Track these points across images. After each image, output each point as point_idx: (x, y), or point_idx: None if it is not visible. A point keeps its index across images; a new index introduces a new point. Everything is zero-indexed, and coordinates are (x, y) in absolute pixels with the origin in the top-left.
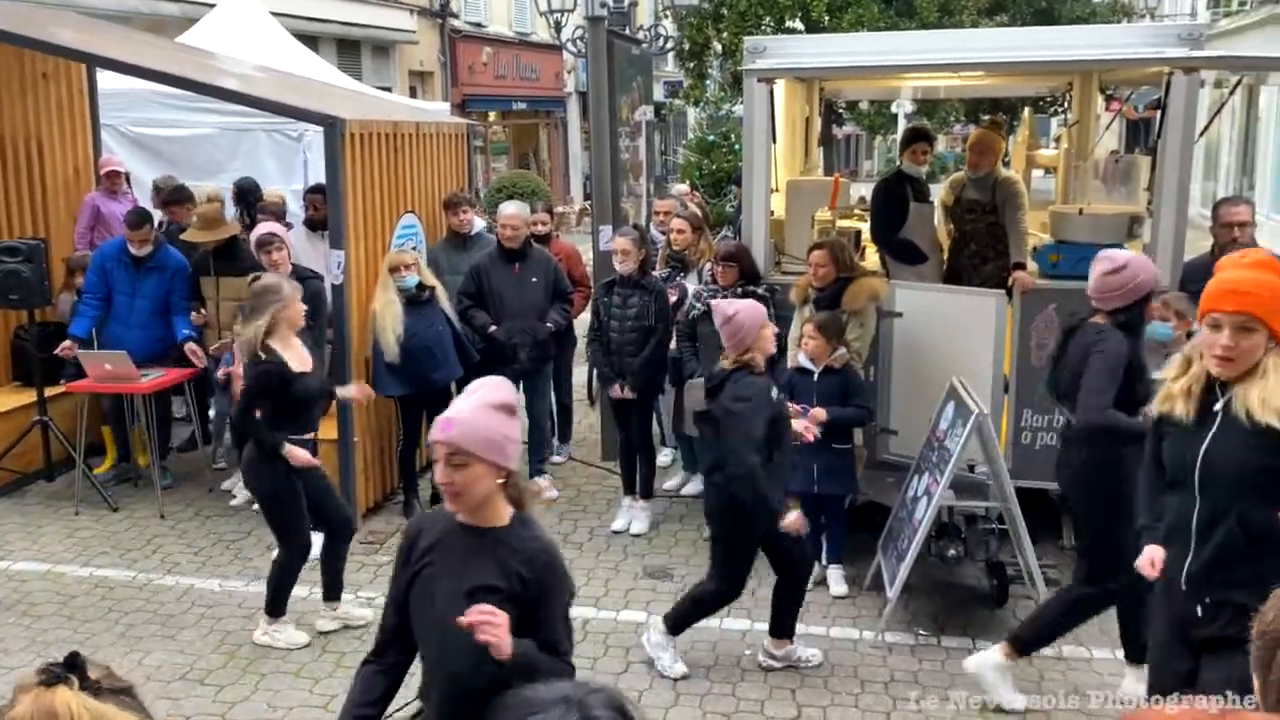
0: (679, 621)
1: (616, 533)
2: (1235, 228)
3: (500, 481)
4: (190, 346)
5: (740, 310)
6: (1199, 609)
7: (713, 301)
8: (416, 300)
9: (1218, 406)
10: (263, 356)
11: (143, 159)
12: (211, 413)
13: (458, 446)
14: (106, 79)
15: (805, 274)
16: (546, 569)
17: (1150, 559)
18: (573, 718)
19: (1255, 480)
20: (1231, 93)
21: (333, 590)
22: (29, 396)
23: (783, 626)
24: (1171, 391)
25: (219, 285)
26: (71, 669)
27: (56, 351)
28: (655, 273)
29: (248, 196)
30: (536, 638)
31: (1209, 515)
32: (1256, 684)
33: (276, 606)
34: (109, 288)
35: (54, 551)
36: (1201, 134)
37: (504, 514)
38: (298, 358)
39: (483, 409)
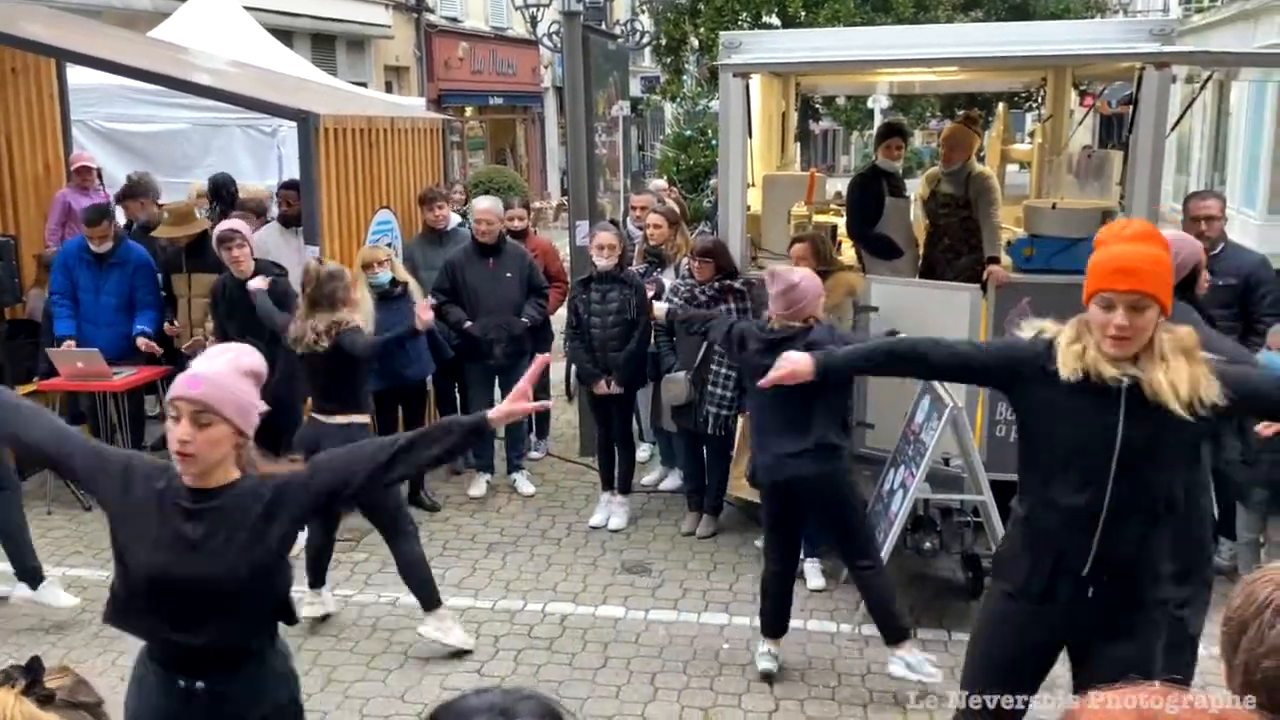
0: (890, 629)
1: (595, 528)
2: (1202, 221)
3: (236, 446)
4: (144, 341)
5: (803, 279)
6: (1091, 592)
7: (772, 267)
8: (389, 296)
9: (1121, 386)
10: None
11: (115, 155)
12: None
13: (205, 404)
14: (78, 74)
15: None
16: (284, 482)
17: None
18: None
19: (1172, 459)
20: (1202, 88)
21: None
22: None
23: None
24: (1068, 359)
25: (191, 282)
26: (26, 672)
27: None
28: (633, 268)
29: (222, 191)
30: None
31: (1127, 496)
32: (1224, 669)
33: (432, 597)
34: (74, 285)
35: None
36: (1173, 129)
37: (232, 475)
38: None
39: (233, 372)
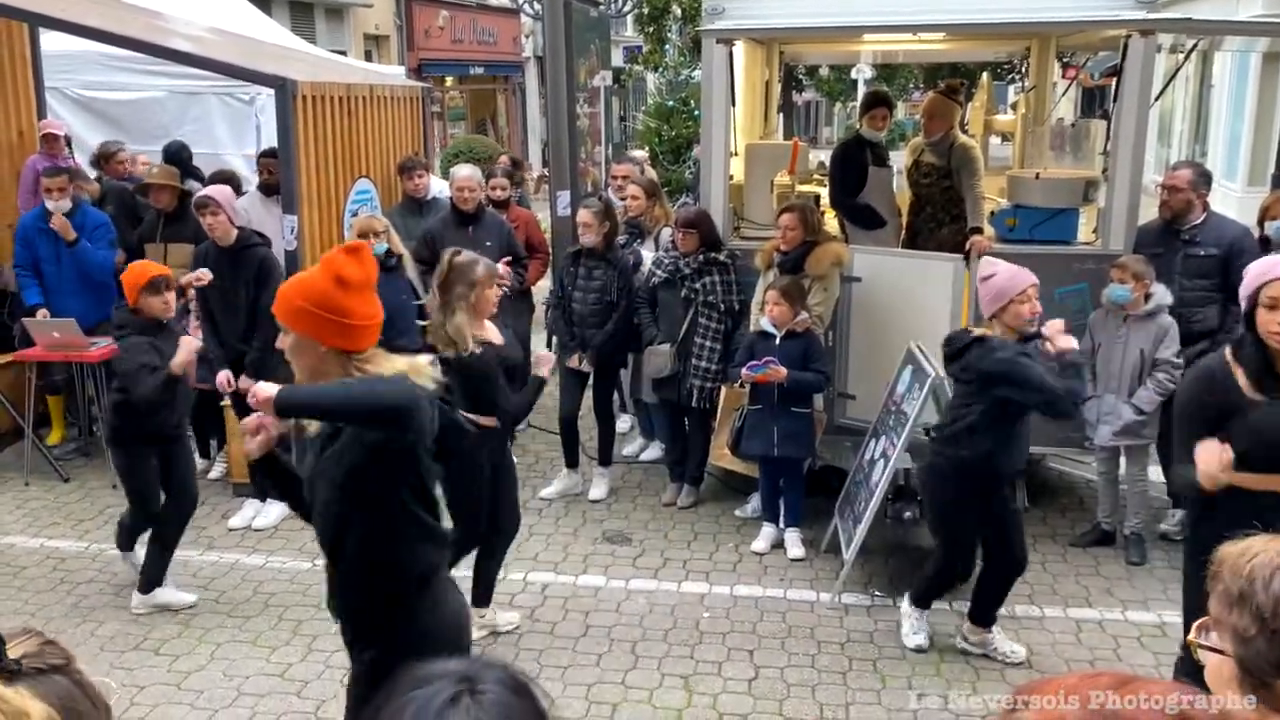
0: (923, 595)
1: (549, 500)
2: (1165, 190)
3: None
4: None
5: (998, 273)
6: None
7: (987, 261)
8: (383, 267)
9: None
10: (477, 351)
11: (90, 123)
12: None
13: None
14: (52, 40)
15: (770, 239)
16: None
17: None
18: (460, 691)
19: None
20: (1186, 58)
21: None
22: None
23: (984, 615)
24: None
25: (166, 252)
26: None
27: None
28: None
29: (175, 160)
30: None
31: None
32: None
33: (489, 597)
34: (36, 258)
35: (3, 522)
36: (1156, 99)
37: None
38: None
39: None
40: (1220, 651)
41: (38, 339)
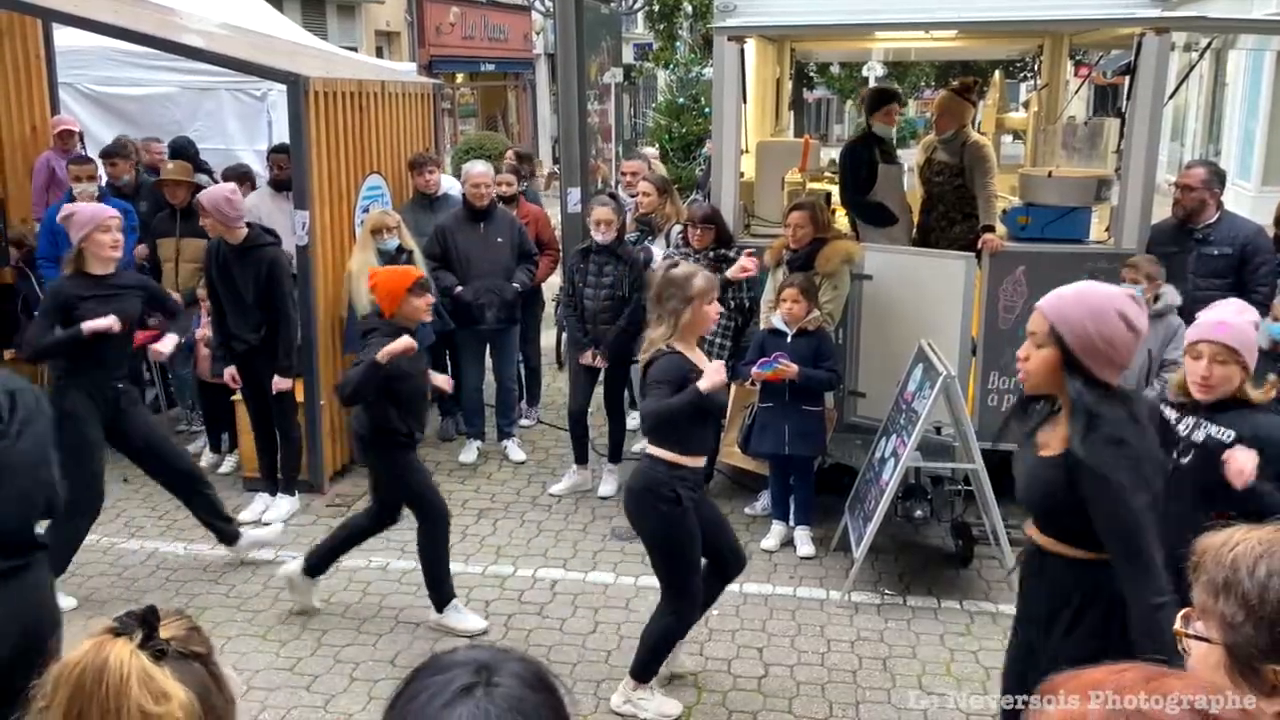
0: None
1: (558, 496)
2: (1179, 189)
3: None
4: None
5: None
6: None
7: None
8: (394, 263)
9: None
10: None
11: (102, 118)
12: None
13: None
14: (65, 36)
15: (780, 236)
16: None
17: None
18: (475, 682)
19: None
20: (1201, 56)
21: None
22: None
23: None
24: None
25: (180, 247)
26: (142, 623)
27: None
28: (627, 235)
29: (182, 156)
30: None
31: None
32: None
33: (648, 670)
34: (58, 248)
35: None
36: (1170, 97)
37: None
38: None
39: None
40: (1207, 640)
41: None
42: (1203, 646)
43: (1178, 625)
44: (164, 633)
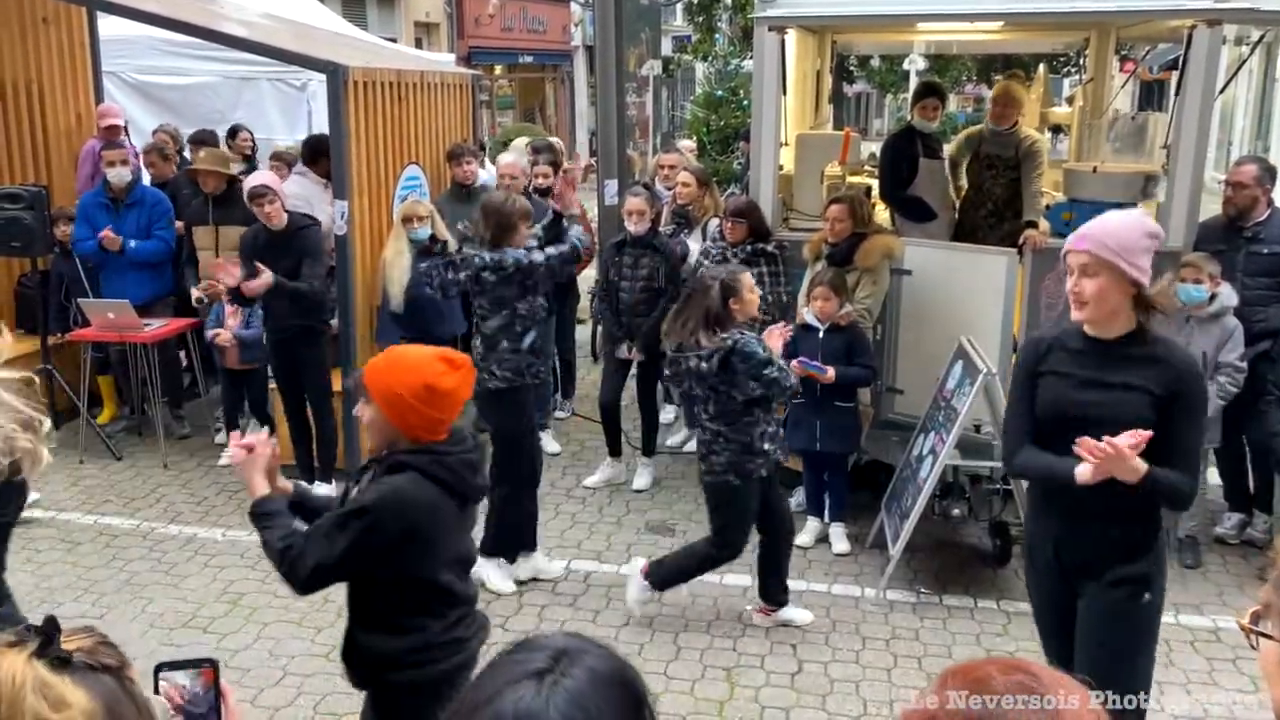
0: None
1: (592, 488)
2: (1229, 186)
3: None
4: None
5: None
6: None
7: None
8: (428, 252)
9: None
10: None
11: (145, 107)
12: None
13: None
14: (109, 25)
15: (819, 230)
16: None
17: None
18: (547, 669)
19: None
20: (1252, 50)
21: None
22: (32, 345)
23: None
24: None
25: (218, 235)
26: (39, 633)
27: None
28: (662, 228)
29: (211, 144)
30: None
31: None
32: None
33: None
34: (95, 233)
35: (59, 499)
36: (1220, 92)
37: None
38: None
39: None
40: (1273, 638)
41: (93, 319)
42: (1270, 645)
43: (1245, 622)
44: (68, 644)
